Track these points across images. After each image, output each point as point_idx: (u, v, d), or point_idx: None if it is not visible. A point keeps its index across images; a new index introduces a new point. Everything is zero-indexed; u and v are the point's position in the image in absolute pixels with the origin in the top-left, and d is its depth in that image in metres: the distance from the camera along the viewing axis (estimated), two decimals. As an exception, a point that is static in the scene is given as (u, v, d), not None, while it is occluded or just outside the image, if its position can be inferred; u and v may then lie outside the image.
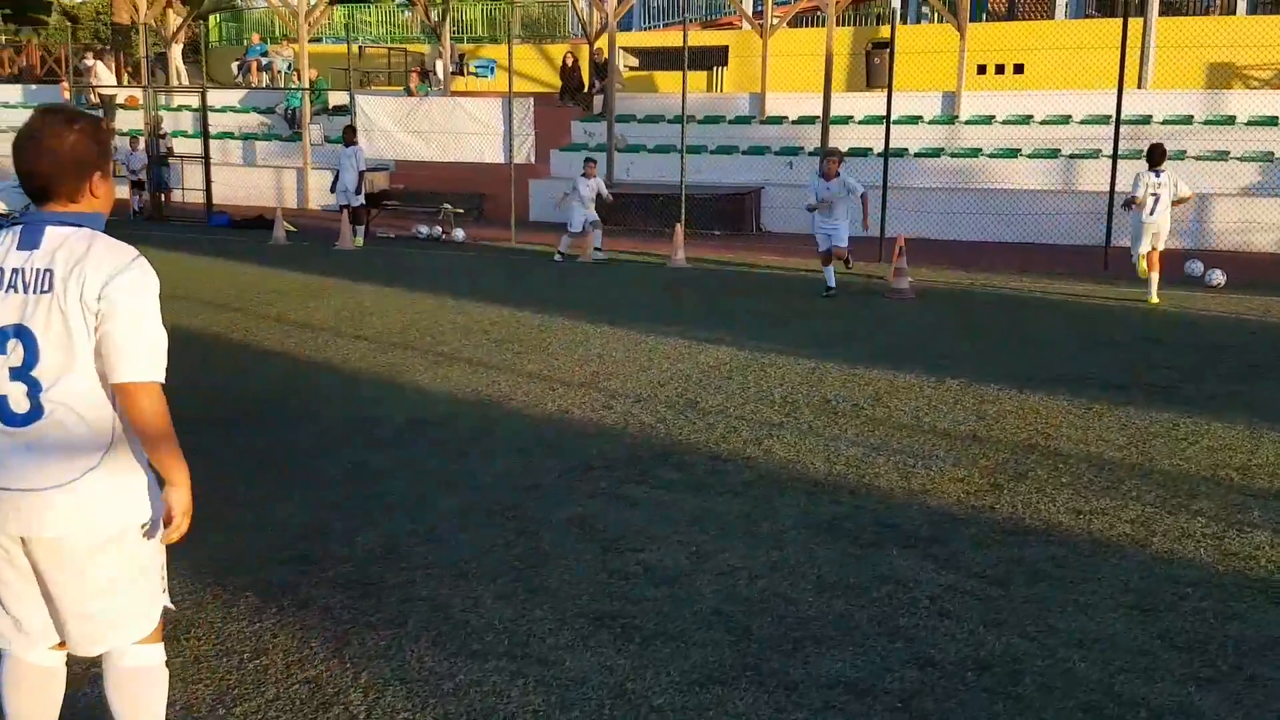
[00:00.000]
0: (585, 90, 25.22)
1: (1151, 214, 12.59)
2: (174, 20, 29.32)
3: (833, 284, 13.31)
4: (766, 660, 4.11)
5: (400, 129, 19.53)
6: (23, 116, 21.36)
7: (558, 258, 16.38)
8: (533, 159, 19.02)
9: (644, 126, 23.69)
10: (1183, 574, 4.96)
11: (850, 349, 10.06)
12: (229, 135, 26.78)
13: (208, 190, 21.38)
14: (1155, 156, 12.52)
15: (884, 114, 17.70)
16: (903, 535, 5.40)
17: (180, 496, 2.91)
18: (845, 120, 21.91)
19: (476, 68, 28.35)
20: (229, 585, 4.62)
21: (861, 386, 8.55)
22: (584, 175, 16.67)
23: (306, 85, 24.41)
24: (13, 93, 30.43)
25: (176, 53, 30.05)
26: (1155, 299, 12.78)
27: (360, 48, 30.19)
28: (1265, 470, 6.50)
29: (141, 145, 21.88)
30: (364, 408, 7.71)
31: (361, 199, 18.19)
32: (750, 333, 10.82)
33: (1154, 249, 12.77)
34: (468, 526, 5.38)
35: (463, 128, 19.19)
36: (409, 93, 24.80)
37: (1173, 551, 5.24)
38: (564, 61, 26.06)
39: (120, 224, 20.85)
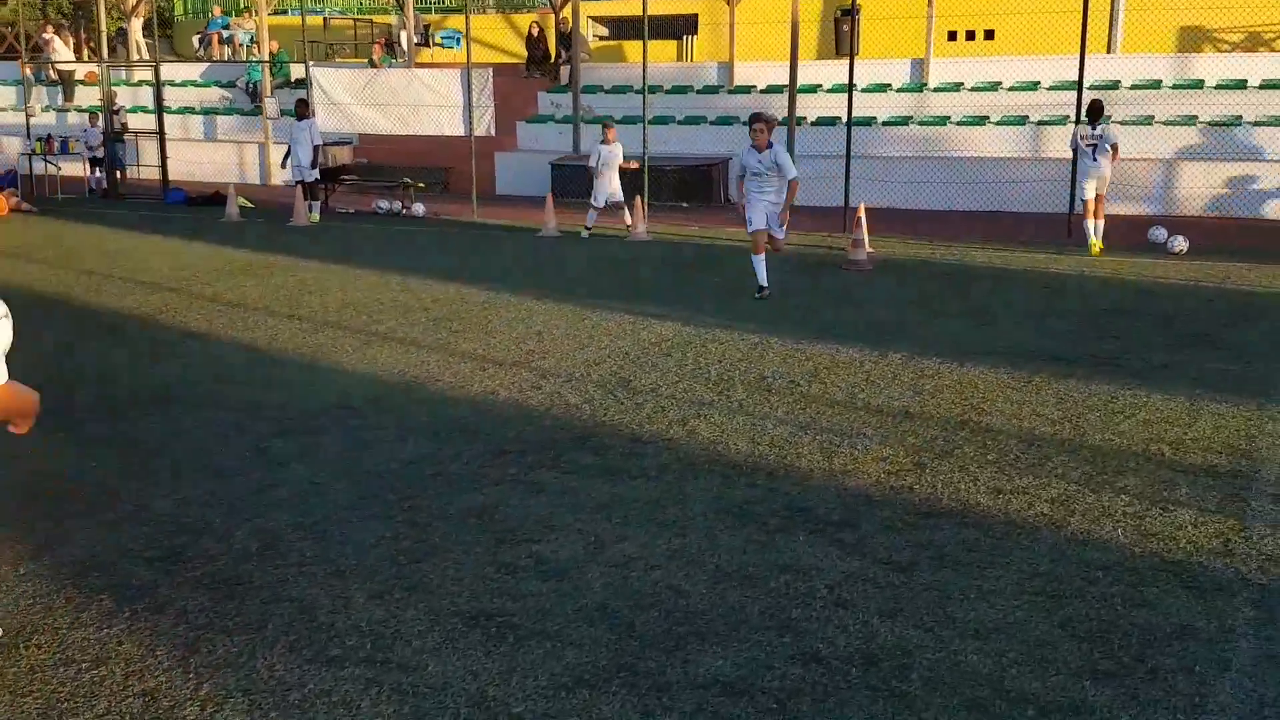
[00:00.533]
0: (552, 61, 24.83)
1: (1094, 160, 13.96)
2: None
3: (765, 282, 10.94)
4: (644, 659, 3.89)
5: (357, 102, 19.18)
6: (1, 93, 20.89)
7: (584, 234, 15.92)
8: (492, 131, 18.67)
9: (612, 97, 23.31)
10: (1096, 557, 4.76)
11: (798, 324, 9.82)
12: (190, 110, 26.37)
13: (163, 167, 21.02)
14: (1094, 112, 14.03)
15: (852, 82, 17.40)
16: (813, 520, 5.18)
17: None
18: (814, 89, 21.59)
19: (442, 38, 27.92)
20: (85, 586, 4.38)
21: (801, 362, 8.33)
22: (603, 142, 15.93)
23: (266, 58, 23.98)
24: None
25: (137, 26, 29.48)
26: (1098, 246, 13.80)
27: (325, 19, 29.74)
28: (1199, 444, 6.29)
29: (100, 122, 21.47)
30: (278, 392, 7.46)
31: (316, 174, 17.85)
32: (699, 307, 10.57)
33: (1098, 196, 14.05)
34: (357, 519, 5.15)
35: (421, 100, 18.83)
36: (372, 64, 24.38)
37: (1089, 532, 5.03)
38: (529, 32, 25.65)
39: (76, 202, 20.57)
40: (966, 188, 18.39)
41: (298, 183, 17.81)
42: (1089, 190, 14.11)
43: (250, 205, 19.52)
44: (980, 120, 20.09)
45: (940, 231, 16.10)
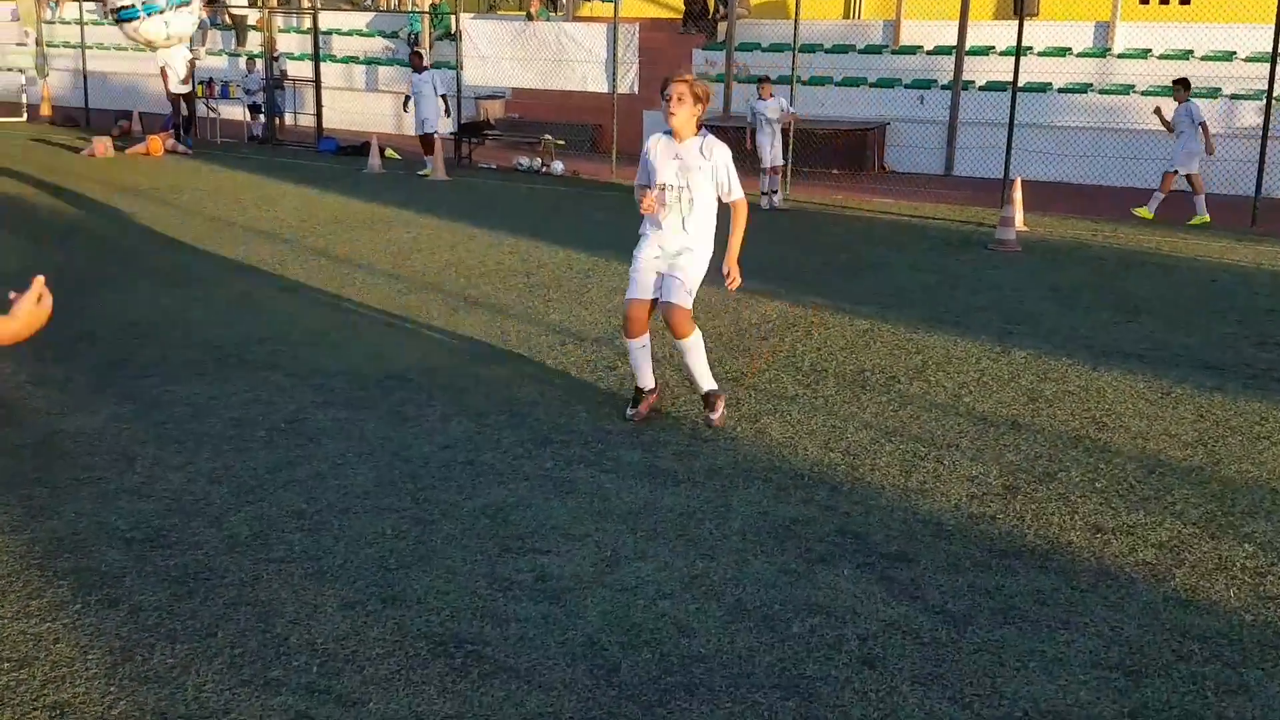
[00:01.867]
0: (710, 16, 24.06)
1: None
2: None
3: (647, 383, 6.61)
4: (616, 714, 3.36)
5: (505, 56, 18.88)
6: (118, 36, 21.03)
7: (765, 204, 14.75)
8: (635, 89, 18.10)
9: (769, 56, 22.40)
10: (1195, 623, 3.98)
11: (918, 307, 9.03)
12: (353, 60, 26.65)
13: (318, 115, 21.24)
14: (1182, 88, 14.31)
15: (1029, 45, 16.17)
16: (865, 549, 4.53)
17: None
18: (985, 51, 20.23)
19: (601, -8, 27.41)
20: (50, 569, 4.10)
21: (909, 355, 7.57)
22: (760, 99, 14.93)
23: (426, 8, 23.97)
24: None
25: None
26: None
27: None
28: (1357, 486, 5.34)
29: (259, 68, 21.84)
30: (342, 357, 7.14)
31: (436, 128, 17.66)
32: (815, 285, 9.86)
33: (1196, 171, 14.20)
34: (362, 511, 4.75)
35: (567, 55, 18.42)
36: (529, 17, 24.11)
37: (1195, 590, 4.23)
38: (690, -15, 24.92)
39: (232, 147, 20.99)
40: (1146, 163, 16.90)
41: (422, 136, 17.71)
42: (1194, 165, 14.17)
43: (397, 157, 19.54)
44: (1168, 90, 18.47)
45: (1108, 211, 14.83)
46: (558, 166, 18.28)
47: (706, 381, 6.03)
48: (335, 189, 15.38)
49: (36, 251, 10.41)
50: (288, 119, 22.72)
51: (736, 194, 5.87)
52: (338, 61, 26.39)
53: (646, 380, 6.10)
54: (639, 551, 4.45)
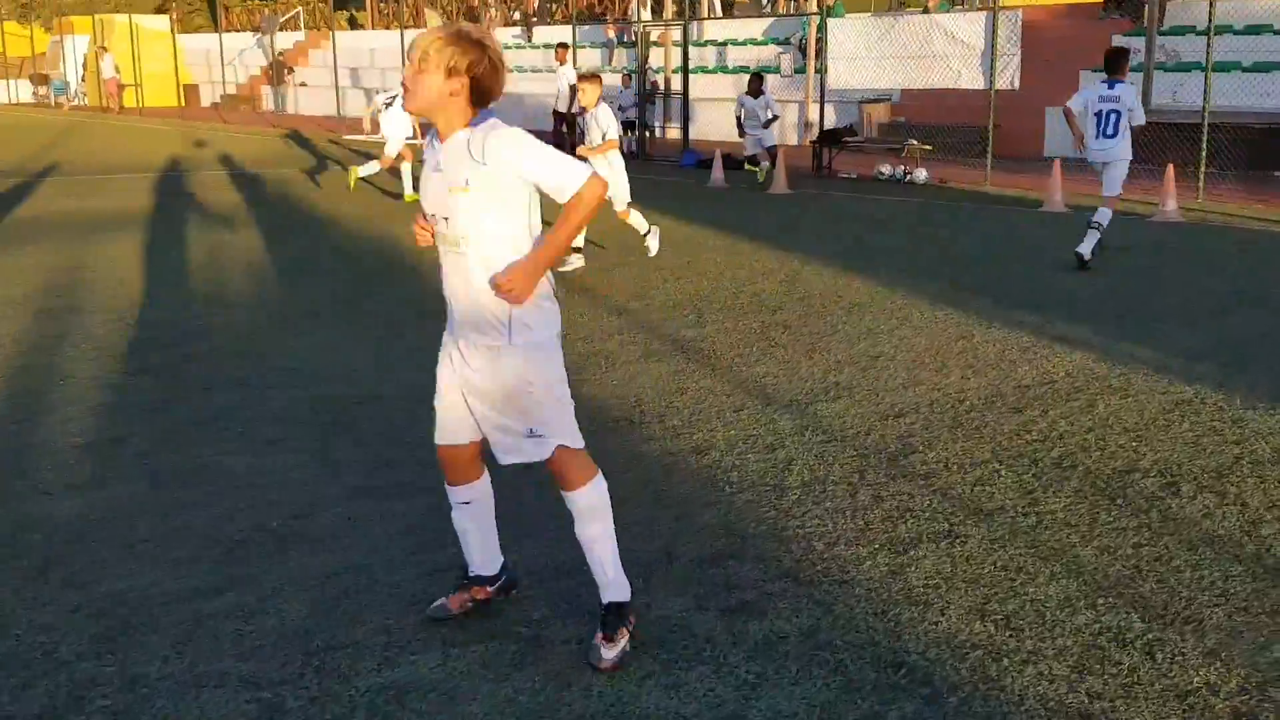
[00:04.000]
0: (1136, -2, 20.77)
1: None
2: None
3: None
4: None
5: (872, 54, 17.09)
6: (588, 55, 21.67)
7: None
8: (1015, 84, 15.67)
9: (1200, 40, 18.88)
10: None
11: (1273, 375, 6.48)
12: (743, 69, 25.83)
13: (684, 129, 20.56)
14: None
15: None
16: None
17: None
18: None
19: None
20: None
21: (1223, 449, 5.23)
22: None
23: (814, 9, 22.62)
24: (564, 32, 31.79)
25: (715, -15, 29.77)
26: None
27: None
28: None
29: (632, 83, 21.53)
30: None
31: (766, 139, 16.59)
32: (1140, 332, 7.48)
33: None
34: (209, 693, 3.54)
35: (940, 50, 16.32)
36: (925, 11, 22.03)
37: None
38: (1115, -35, 21.71)
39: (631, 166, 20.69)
40: None
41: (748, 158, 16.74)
42: None
43: (755, 169, 18.39)
44: None
45: None
46: (920, 175, 16.27)
47: (610, 585, 3.49)
48: (660, 204, 14.44)
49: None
50: (673, 134, 22.25)
51: (572, 183, 3.17)
52: (729, 72, 25.71)
53: (472, 557, 3.69)
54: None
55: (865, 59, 17.28)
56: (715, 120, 22.86)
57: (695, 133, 23.68)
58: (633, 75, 21.68)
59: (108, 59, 36.55)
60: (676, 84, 23.88)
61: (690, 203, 14.77)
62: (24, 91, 41.57)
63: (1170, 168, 12.55)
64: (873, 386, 6.35)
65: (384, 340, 7.61)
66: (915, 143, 16.92)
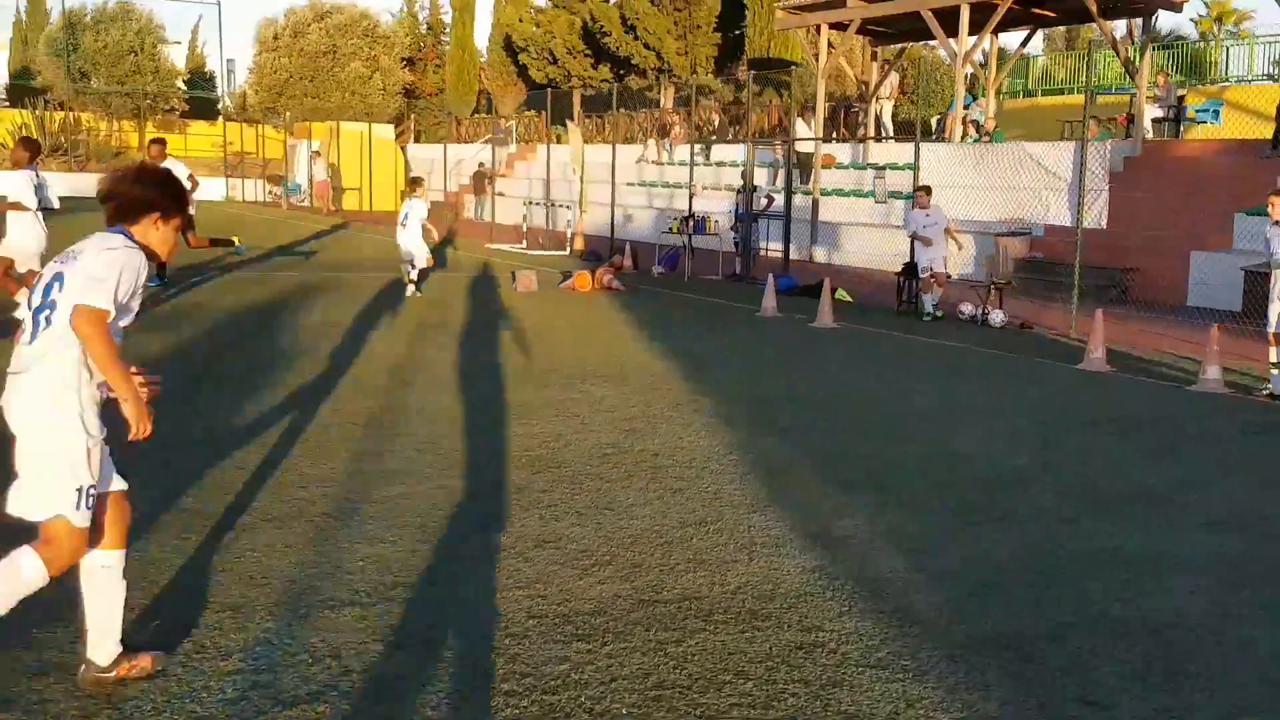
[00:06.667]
0: (1307, 132, 18.63)
1: None
2: (879, 76, 28.36)
3: None
4: None
5: (955, 182, 15.96)
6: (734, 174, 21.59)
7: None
8: (1103, 222, 14.20)
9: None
10: None
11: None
12: (896, 196, 24.87)
13: (784, 250, 19.78)
14: None
15: None
16: None
17: None
18: None
19: (1196, 111, 22.72)
20: None
21: None
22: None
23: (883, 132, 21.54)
24: (733, 151, 31.61)
25: (886, 109, 29.07)
26: None
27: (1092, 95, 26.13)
28: None
29: (740, 202, 21.02)
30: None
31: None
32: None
33: None
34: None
35: (1028, 181, 15.06)
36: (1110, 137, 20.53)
37: None
38: (1288, 97, 19.60)
39: (671, 282, 19.98)
40: None
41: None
42: None
43: (849, 299, 17.42)
44: None
45: None
46: (996, 317, 14.88)
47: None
48: (699, 333, 13.74)
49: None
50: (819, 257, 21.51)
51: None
52: (844, 196, 24.93)
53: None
54: None
55: (954, 188, 16.16)
56: (862, 244, 22.00)
57: (839, 258, 22.82)
58: (741, 192, 21.17)
59: (319, 163, 39.22)
60: (826, 206, 23.19)
61: (729, 334, 14.01)
62: (263, 191, 45.10)
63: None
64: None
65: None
66: (997, 281, 15.51)
